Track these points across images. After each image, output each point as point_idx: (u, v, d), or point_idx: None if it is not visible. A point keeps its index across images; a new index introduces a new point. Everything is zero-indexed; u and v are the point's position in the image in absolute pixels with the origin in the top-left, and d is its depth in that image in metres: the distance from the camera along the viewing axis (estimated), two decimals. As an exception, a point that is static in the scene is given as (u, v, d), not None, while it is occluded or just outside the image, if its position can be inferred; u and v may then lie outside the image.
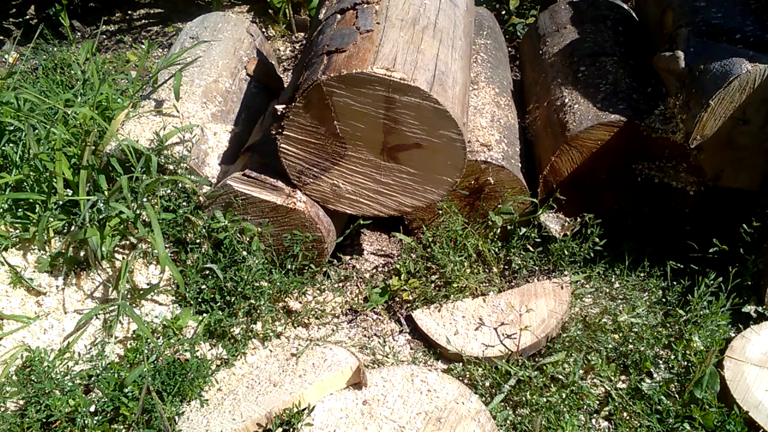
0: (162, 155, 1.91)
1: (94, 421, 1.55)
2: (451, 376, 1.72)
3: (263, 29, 3.56)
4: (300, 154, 1.80)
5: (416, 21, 1.84)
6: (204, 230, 1.89)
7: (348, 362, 1.69)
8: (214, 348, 1.81)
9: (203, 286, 1.87)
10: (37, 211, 1.95)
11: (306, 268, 1.96)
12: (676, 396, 1.69)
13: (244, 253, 1.87)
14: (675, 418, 1.63)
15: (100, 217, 1.82)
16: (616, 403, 1.69)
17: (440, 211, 2.04)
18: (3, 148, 2.08)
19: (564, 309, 1.88)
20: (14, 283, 1.84)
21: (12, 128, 2.12)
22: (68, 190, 1.94)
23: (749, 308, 1.89)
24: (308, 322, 1.95)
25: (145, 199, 1.84)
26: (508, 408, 1.69)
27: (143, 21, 3.80)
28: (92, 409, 1.57)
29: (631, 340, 1.82)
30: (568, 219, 2.05)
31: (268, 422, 1.58)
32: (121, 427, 1.58)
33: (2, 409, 1.59)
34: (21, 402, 1.61)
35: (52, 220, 1.89)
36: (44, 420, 1.55)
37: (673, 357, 1.77)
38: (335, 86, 1.66)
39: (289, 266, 1.94)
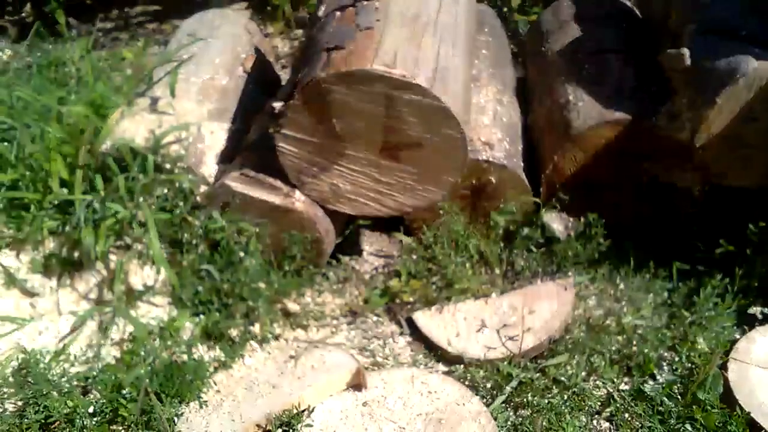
0: (158, 154, 1.88)
1: (93, 422, 1.54)
2: (452, 378, 1.71)
3: (261, 26, 3.53)
4: (298, 153, 1.78)
5: (417, 18, 1.82)
6: (201, 230, 1.87)
7: (347, 365, 1.67)
8: (211, 350, 1.79)
9: (200, 288, 1.85)
10: (31, 210, 1.92)
11: (304, 268, 1.94)
12: (679, 397, 1.67)
13: (242, 253, 1.85)
14: (677, 419, 1.61)
15: (96, 217, 1.80)
16: (618, 405, 1.68)
17: (441, 211, 2.02)
18: (-3, 146, 2.05)
19: (567, 311, 1.86)
20: (8, 285, 1.81)
21: (6, 127, 2.09)
22: (64, 189, 1.92)
23: (755, 309, 1.87)
24: (307, 323, 1.93)
25: (141, 199, 1.82)
26: (509, 409, 1.68)
27: (140, 18, 3.77)
28: (91, 410, 1.56)
29: (635, 342, 1.80)
30: (571, 219, 2.03)
31: (268, 423, 1.57)
32: (120, 428, 1.56)
33: (1, 410, 1.58)
34: (19, 403, 1.59)
35: (46, 219, 1.86)
36: (43, 421, 1.54)
37: (677, 359, 1.76)
38: (334, 84, 1.63)
39: (287, 267, 1.92)
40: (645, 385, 1.70)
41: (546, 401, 1.63)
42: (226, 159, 2.05)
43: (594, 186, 2.04)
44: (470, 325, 1.87)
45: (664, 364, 1.75)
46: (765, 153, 1.79)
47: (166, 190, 1.88)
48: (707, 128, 1.77)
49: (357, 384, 1.67)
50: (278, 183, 1.83)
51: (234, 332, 1.81)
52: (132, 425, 1.53)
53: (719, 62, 1.74)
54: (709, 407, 1.59)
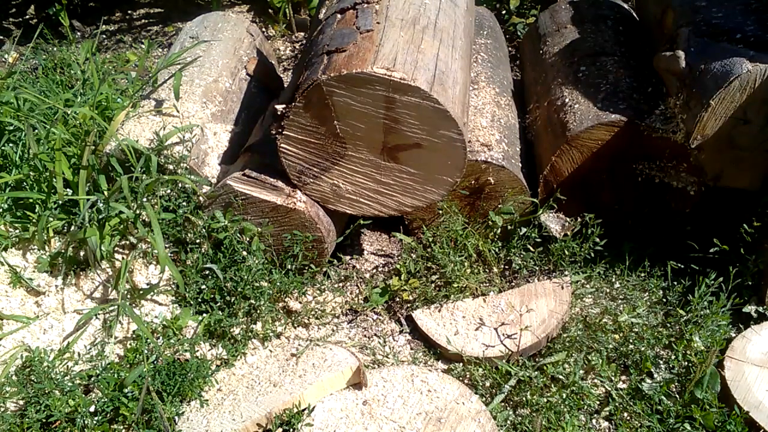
0: (162, 155, 1.90)
1: (94, 422, 1.55)
2: (451, 377, 1.72)
3: (263, 29, 3.56)
4: (300, 154, 1.80)
5: (416, 20, 1.84)
6: (204, 230, 1.89)
7: (348, 362, 1.69)
8: (213, 348, 1.80)
9: (203, 286, 1.87)
10: (36, 210, 1.95)
11: (306, 268, 1.96)
12: (677, 396, 1.69)
13: (244, 253, 1.87)
14: (675, 419, 1.62)
15: (100, 217, 1.82)
16: (617, 404, 1.69)
17: (440, 211, 2.04)
18: (3, 148, 2.08)
19: (564, 309, 1.88)
20: (14, 283, 1.84)
21: (12, 128, 2.12)
22: (68, 189, 1.94)
23: (750, 308, 1.89)
24: (308, 322, 1.95)
25: (145, 199, 1.84)
26: (508, 408, 1.69)
27: (143, 21, 3.80)
28: (92, 409, 1.57)
29: (631, 340, 1.82)
30: (568, 219, 2.05)
31: (268, 422, 1.58)
32: (121, 427, 1.57)
33: (2, 409, 1.59)
34: (21, 402, 1.61)
35: (51, 219, 1.88)
36: (44, 420, 1.55)
37: (673, 357, 1.77)
38: (335, 86, 1.66)
39: (289, 266, 1.94)
40: (643, 383, 1.72)
41: (545, 400, 1.65)
42: (229, 160, 2.07)
43: (590, 186, 2.06)
44: (469, 323, 1.89)
45: (661, 362, 1.77)
46: (757, 155, 1.81)
47: (169, 191, 1.90)
48: (702, 130, 1.79)
49: (357, 382, 1.69)
50: (280, 183, 1.85)
51: (236, 330, 1.83)
52: (133, 424, 1.54)
53: (714, 64, 1.76)
54: (707, 406, 1.60)
